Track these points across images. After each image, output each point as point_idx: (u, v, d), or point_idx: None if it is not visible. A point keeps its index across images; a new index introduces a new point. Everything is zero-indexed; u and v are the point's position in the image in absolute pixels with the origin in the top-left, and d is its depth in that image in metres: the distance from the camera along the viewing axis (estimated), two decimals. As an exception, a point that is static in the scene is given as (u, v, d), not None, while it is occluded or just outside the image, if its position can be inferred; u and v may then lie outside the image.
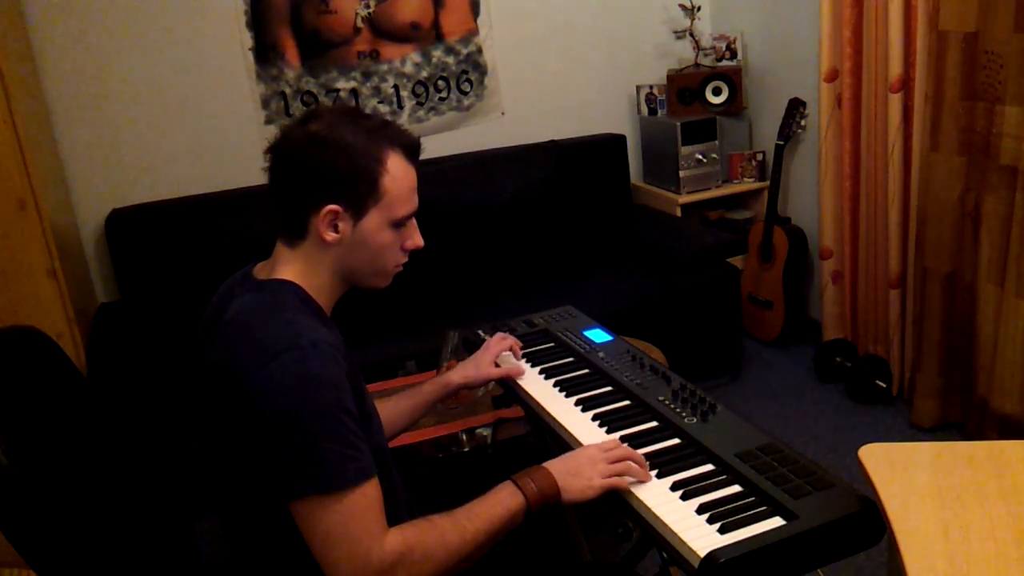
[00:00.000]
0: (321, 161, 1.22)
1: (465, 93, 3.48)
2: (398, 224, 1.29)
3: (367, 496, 1.15)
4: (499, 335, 1.78)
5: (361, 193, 1.24)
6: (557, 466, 1.31)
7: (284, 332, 1.17)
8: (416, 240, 1.34)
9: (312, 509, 1.13)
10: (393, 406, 1.63)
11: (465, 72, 3.46)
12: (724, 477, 1.28)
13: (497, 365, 1.71)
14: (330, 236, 1.25)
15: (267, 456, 1.14)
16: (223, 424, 1.23)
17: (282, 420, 1.12)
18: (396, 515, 1.23)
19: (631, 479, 1.29)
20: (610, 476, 1.29)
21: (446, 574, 1.20)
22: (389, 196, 1.26)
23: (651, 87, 3.64)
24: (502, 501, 1.25)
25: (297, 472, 1.13)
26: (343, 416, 1.15)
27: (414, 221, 1.33)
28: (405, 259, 1.35)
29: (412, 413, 1.66)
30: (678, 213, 3.52)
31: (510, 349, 1.75)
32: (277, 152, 1.26)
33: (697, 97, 3.56)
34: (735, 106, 3.57)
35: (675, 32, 3.69)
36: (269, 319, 1.20)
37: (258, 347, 1.16)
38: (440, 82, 3.43)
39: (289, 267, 1.28)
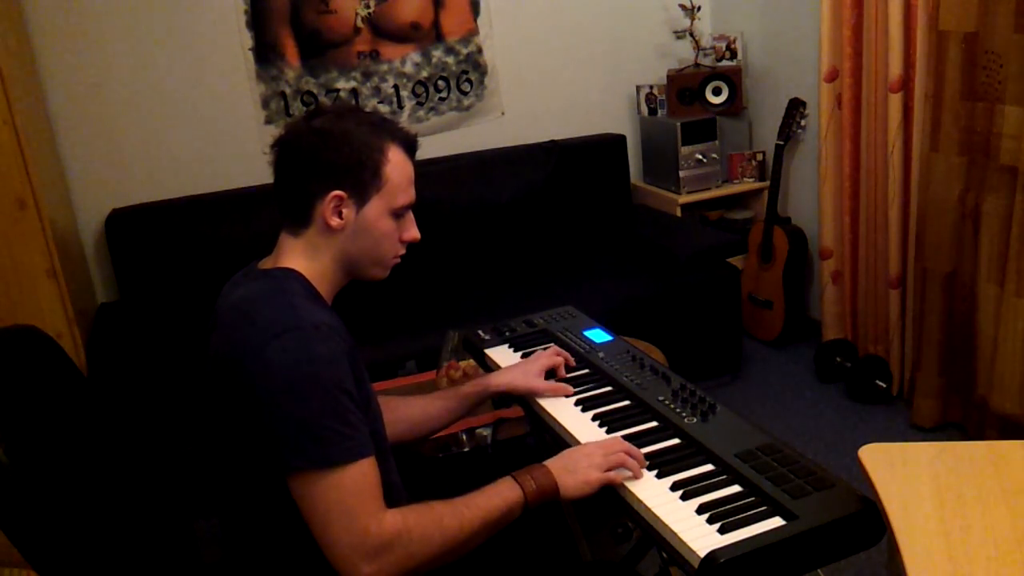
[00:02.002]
0: (327, 150, 1.28)
1: (465, 93, 3.48)
2: (398, 214, 1.34)
3: (364, 474, 1.17)
4: (554, 348, 1.72)
5: (364, 180, 1.29)
6: (555, 463, 1.33)
7: (285, 315, 1.20)
8: (413, 233, 1.38)
9: (310, 484, 1.15)
10: (429, 404, 1.64)
11: (465, 72, 3.46)
12: (724, 477, 1.28)
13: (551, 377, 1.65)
14: (335, 222, 1.29)
15: (266, 433, 1.16)
16: (224, 411, 1.24)
17: (281, 396, 1.15)
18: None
19: (627, 475, 1.30)
20: (607, 471, 1.30)
21: (440, 560, 1.21)
22: (390, 184, 1.31)
23: (651, 87, 3.64)
24: (501, 494, 1.27)
25: (295, 447, 1.15)
26: (341, 395, 1.17)
27: (411, 215, 1.38)
28: (403, 251, 1.39)
29: (451, 414, 1.65)
30: (678, 213, 3.52)
31: (556, 368, 1.67)
32: (283, 145, 1.31)
33: (697, 97, 3.56)
34: (735, 106, 3.57)
35: (675, 32, 3.69)
36: (270, 303, 1.23)
37: (259, 329, 1.19)
38: (440, 82, 3.43)
39: (292, 255, 1.32)
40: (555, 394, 1.61)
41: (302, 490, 1.16)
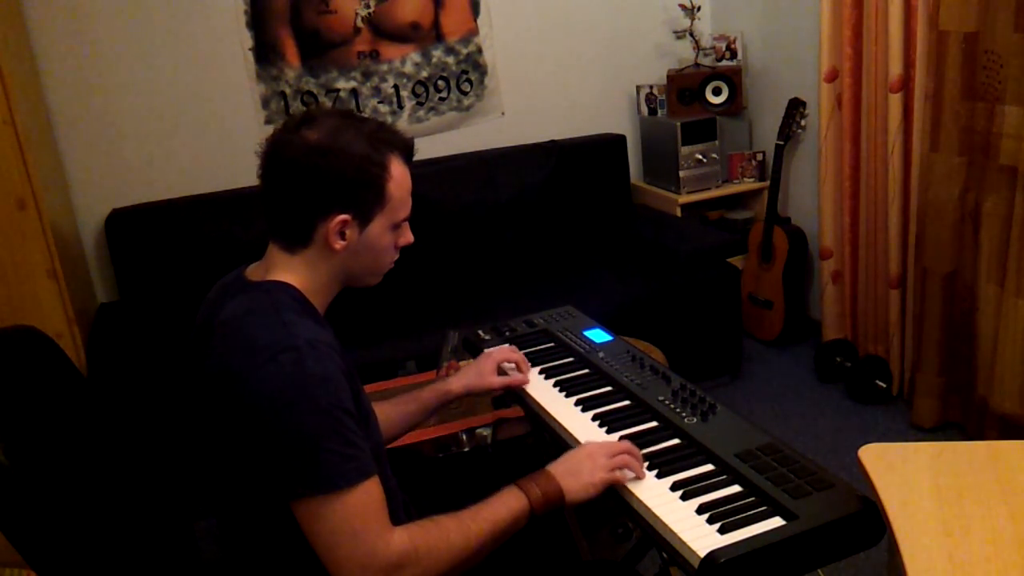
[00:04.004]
0: (329, 171, 1.21)
1: (465, 93, 3.48)
2: (397, 226, 1.31)
3: (369, 494, 1.15)
4: (507, 346, 1.74)
5: (369, 201, 1.25)
6: (558, 468, 1.32)
7: (280, 333, 1.17)
8: (408, 237, 1.35)
9: (314, 509, 1.13)
10: (390, 410, 1.61)
11: (465, 72, 3.46)
12: (724, 477, 1.28)
13: (502, 374, 1.68)
14: (338, 244, 1.25)
15: (267, 457, 1.14)
16: (221, 426, 1.22)
17: (280, 421, 1.12)
18: (394, 516, 1.23)
19: (631, 475, 1.30)
20: (610, 471, 1.29)
21: (449, 574, 1.20)
22: (393, 201, 1.27)
23: (651, 87, 3.64)
24: (506, 504, 1.26)
25: (297, 473, 1.13)
26: (341, 415, 1.15)
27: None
28: (398, 256, 1.36)
29: (409, 419, 1.64)
30: (678, 213, 3.52)
31: (516, 363, 1.70)
32: (276, 160, 1.24)
33: (697, 97, 3.56)
34: (735, 106, 3.57)
35: (675, 32, 3.69)
36: (264, 320, 1.20)
37: (254, 348, 1.16)
38: (440, 82, 3.43)
39: (286, 271, 1.28)
40: (512, 385, 1.65)
41: (307, 515, 1.14)
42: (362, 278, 1.34)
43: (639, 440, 1.40)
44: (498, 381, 1.65)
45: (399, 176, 1.27)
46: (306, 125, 1.24)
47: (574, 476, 1.30)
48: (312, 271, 1.28)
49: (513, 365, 1.70)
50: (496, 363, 1.68)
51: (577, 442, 1.43)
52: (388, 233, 1.29)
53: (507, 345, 1.77)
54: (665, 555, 1.20)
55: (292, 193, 1.24)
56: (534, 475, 1.30)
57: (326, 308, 1.33)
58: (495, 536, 1.23)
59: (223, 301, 1.28)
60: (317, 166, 1.21)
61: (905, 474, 1.30)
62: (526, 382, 1.66)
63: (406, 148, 1.30)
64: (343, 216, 1.23)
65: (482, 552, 1.23)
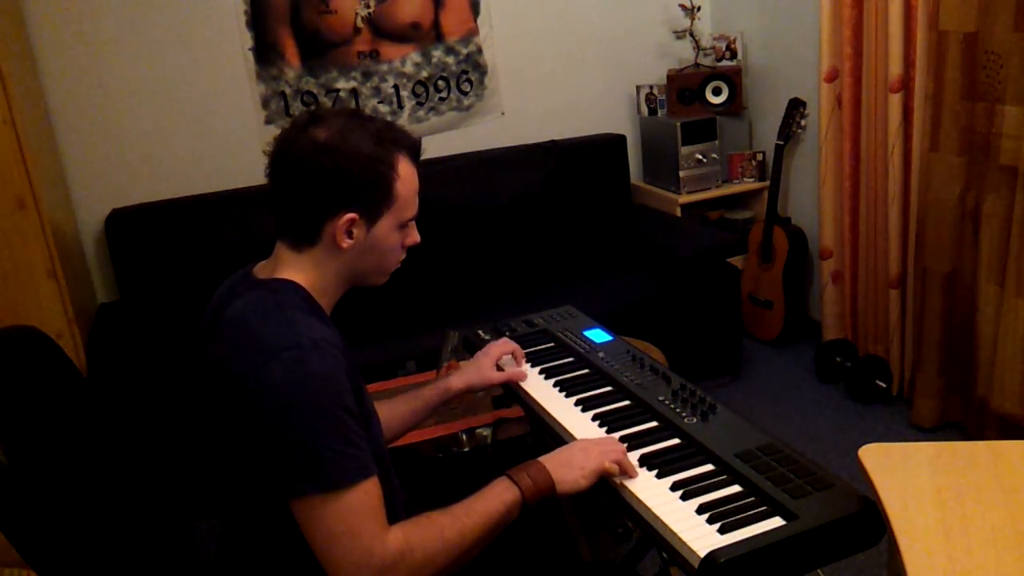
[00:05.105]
0: (337, 170, 1.22)
1: (465, 93, 3.48)
2: (404, 225, 1.32)
3: (368, 494, 1.15)
4: (503, 339, 1.76)
5: (377, 200, 1.26)
6: (551, 460, 1.33)
7: (284, 331, 1.17)
8: (415, 237, 1.36)
9: (313, 507, 1.13)
10: (392, 409, 1.62)
11: (465, 72, 3.46)
12: (724, 477, 1.28)
13: (500, 369, 1.69)
14: (346, 243, 1.26)
15: (268, 455, 1.15)
16: (223, 423, 1.23)
17: (282, 419, 1.12)
18: (394, 515, 1.23)
19: (621, 474, 1.31)
20: (601, 463, 1.30)
21: (445, 570, 1.20)
22: (400, 200, 1.28)
23: (651, 87, 3.64)
24: (498, 495, 1.26)
25: (298, 471, 1.13)
26: (343, 414, 1.15)
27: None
28: (404, 256, 1.37)
29: (411, 417, 1.65)
30: (678, 213, 3.52)
31: (512, 354, 1.72)
32: (284, 160, 1.25)
33: (697, 97, 3.56)
34: (735, 106, 3.57)
35: (675, 32, 3.69)
36: (269, 318, 1.20)
37: (258, 345, 1.16)
38: (440, 82, 3.43)
39: (293, 269, 1.29)
40: (512, 379, 1.67)
41: (305, 513, 1.14)
42: (369, 277, 1.35)
43: (639, 440, 1.40)
44: (497, 376, 1.67)
45: (406, 175, 1.28)
46: (314, 124, 1.25)
47: (565, 467, 1.30)
48: (319, 270, 1.29)
49: (510, 358, 1.72)
50: (494, 359, 1.69)
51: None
52: (395, 232, 1.30)
53: (503, 338, 1.79)
54: (665, 555, 1.20)
55: (300, 192, 1.25)
56: (525, 465, 1.31)
57: (332, 307, 1.34)
58: (489, 529, 1.24)
59: (230, 299, 1.29)
60: (325, 165, 1.22)
61: (905, 474, 1.30)
62: (524, 376, 1.68)
63: (413, 147, 1.31)
64: (351, 215, 1.24)
65: (478, 545, 1.23)
